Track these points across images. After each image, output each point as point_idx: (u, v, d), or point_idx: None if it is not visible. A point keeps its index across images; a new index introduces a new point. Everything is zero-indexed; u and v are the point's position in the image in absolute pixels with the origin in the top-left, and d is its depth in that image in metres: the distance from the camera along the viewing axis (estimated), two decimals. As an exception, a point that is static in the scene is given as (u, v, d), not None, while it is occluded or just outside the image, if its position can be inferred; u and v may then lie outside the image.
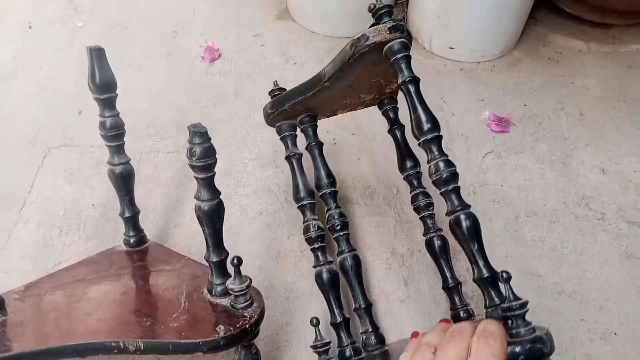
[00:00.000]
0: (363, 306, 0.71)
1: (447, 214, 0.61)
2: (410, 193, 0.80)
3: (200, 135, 0.54)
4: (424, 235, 0.77)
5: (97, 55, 0.65)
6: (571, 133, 1.00)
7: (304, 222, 0.79)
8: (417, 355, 0.49)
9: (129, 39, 1.16)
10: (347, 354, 0.67)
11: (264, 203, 0.87)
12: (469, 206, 0.61)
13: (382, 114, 0.85)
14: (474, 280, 0.58)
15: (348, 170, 0.92)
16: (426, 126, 0.64)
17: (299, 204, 0.79)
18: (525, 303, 0.51)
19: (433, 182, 0.63)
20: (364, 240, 0.82)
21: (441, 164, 0.62)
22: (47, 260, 0.79)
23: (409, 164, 0.80)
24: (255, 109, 1.02)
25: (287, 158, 0.80)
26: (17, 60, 1.11)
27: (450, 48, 1.13)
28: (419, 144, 0.68)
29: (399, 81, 0.68)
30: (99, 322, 0.57)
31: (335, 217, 0.77)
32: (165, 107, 1.02)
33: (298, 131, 0.83)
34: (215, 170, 0.57)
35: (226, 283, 0.59)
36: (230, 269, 0.60)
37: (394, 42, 0.66)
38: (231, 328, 0.55)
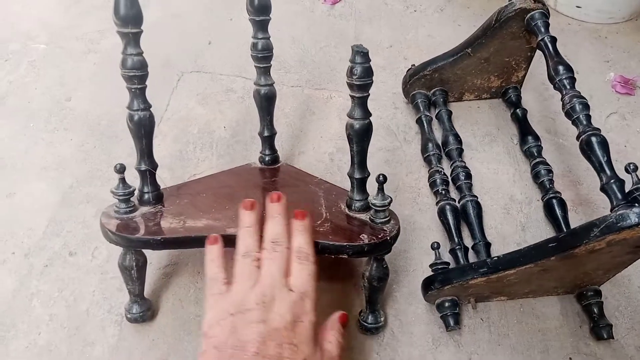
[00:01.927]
0: (482, 243, 0.74)
1: (578, 137, 0.68)
2: (530, 163, 0.83)
3: (362, 55, 0.56)
4: (542, 199, 0.79)
5: None
6: (703, 102, 0.96)
7: (429, 170, 0.83)
8: (244, 270, 0.54)
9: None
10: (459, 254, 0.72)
11: (384, 141, 0.90)
12: (598, 129, 0.67)
13: (505, 100, 0.94)
14: (601, 188, 0.64)
15: (467, 117, 0.93)
16: (561, 69, 0.74)
17: (426, 155, 0.84)
18: None
19: (566, 112, 0.69)
20: (482, 184, 0.83)
21: (574, 97, 0.70)
22: (183, 171, 0.85)
23: (530, 139, 0.87)
24: (376, 52, 1.04)
25: (419, 119, 0.88)
26: (150, -11, 1.17)
27: (577, 7, 1.10)
28: (555, 86, 0.73)
29: (538, 39, 0.75)
30: None
31: (459, 168, 0.81)
32: (289, 44, 1.05)
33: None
34: (370, 91, 0.59)
35: (368, 198, 0.63)
36: (370, 188, 0.64)
37: (536, 11, 0.79)
38: (374, 238, 0.59)
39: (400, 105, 0.95)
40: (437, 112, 0.90)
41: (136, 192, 0.65)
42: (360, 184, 0.63)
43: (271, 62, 0.74)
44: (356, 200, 0.64)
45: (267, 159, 0.78)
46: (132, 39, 0.59)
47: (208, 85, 0.98)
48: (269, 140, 0.78)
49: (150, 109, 0.63)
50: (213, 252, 0.57)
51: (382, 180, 0.60)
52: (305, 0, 1.14)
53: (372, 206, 0.61)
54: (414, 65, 0.92)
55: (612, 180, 0.64)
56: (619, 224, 0.55)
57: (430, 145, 0.85)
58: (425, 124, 0.88)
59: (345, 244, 0.58)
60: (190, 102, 0.95)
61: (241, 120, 0.92)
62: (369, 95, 0.59)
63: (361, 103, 0.59)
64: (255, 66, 0.74)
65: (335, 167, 0.86)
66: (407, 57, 1.02)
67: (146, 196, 0.65)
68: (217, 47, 1.05)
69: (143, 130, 0.62)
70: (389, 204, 0.61)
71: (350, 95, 0.59)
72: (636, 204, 0.60)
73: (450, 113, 0.90)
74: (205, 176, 0.74)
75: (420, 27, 1.09)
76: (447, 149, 0.85)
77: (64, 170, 0.84)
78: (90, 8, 1.13)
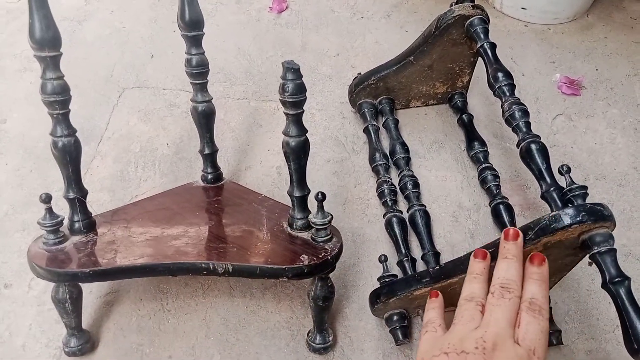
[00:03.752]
0: (431, 252, 0.73)
1: (518, 144, 0.68)
2: (477, 169, 0.83)
3: (293, 71, 0.55)
4: (489, 204, 0.79)
5: None
6: (645, 100, 0.98)
7: (377, 180, 0.82)
8: (466, 313, 0.50)
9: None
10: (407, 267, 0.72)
11: (332, 152, 0.88)
12: (537, 136, 0.68)
13: (452, 106, 0.94)
14: (542, 195, 0.65)
15: (414, 125, 0.92)
16: (500, 76, 0.74)
17: (374, 165, 0.83)
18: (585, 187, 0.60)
19: (506, 120, 0.70)
20: (430, 192, 0.83)
21: (513, 104, 0.70)
22: (125, 193, 0.82)
23: (476, 144, 0.87)
24: (322, 60, 1.03)
25: (366, 129, 0.88)
26: (89, 4, 1.14)
27: (522, 9, 1.10)
28: (494, 92, 0.73)
29: (478, 45, 0.75)
30: (187, 245, 0.60)
31: (407, 177, 0.81)
32: (235, 55, 1.03)
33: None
34: (304, 108, 0.58)
35: (309, 217, 0.61)
36: (311, 205, 0.62)
37: (475, 17, 0.79)
38: (314, 258, 0.58)
39: (348, 114, 0.94)
40: (384, 120, 0.90)
41: (66, 221, 0.62)
42: (300, 202, 0.62)
43: (207, 78, 0.72)
44: (297, 218, 0.62)
45: (209, 177, 0.76)
46: (51, 63, 0.56)
47: (150, 101, 0.95)
48: (210, 158, 0.76)
49: (76, 134, 0.60)
50: (434, 302, 0.57)
51: (320, 199, 0.59)
52: (251, 9, 1.12)
53: (313, 225, 0.60)
54: (360, 74, 0.91)
55: (551, 188, 0.64)
56: (552, 226, 0.55)
57: (377, 155, 0.84)
58: (372, 134, 0.87)
59: (284, 266, 0.57)
60: (132, 119, 0.92)
61: (185, 136, 0.89)
62: (303, 111, 0.58)
63: (296, 120, 0.58)
64: (191, 83, 0.72)
65: (282, 181, 0.84)
66: (354, 65, 1.01)
67: (77, 225, 0.62)
68: (160, 60, 1.02)
69: (68, 157, 0.60)
70: (330, 221, 0.60)
71: (284, 113, 0.58)
72: (569, 205, 0.60)
73: (397, 121, 0.89)
74: (143, 199, 0.72)
75: (367, 33, 1.08)
76: (394, 158, 0.85)
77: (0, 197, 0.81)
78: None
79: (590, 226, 0.55)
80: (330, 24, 1.10)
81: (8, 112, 0.93)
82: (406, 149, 0.85)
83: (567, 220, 0.55)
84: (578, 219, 0.54)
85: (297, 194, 0.61)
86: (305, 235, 0.62)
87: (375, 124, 0.89)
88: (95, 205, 0.80)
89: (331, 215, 0.60)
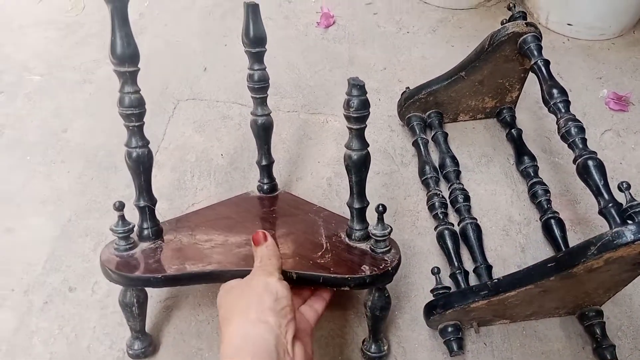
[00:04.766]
0: (483, 265, 0.74)
1: (574, 160, 0.69)
2: (527, 183, 0.84)
3: (358, 88, 0.56)
4: (540, 219, 0.80)
5: (253, 10, 0.69)
6: (695, 116, 0.97)
7: (427, 193, 0.83)
8: None
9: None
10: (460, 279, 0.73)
11: (381, 164, 0.90)
12: (594, 152, 0.68)
13: (500, 121, 0.95)
14: (600, 211, 0.65)
15: (463, 139, 0.93)
16: (555, 92, 0.75)
17: (424, 177, 0.84)
18: None
19: (561, 136, 0.70)
20: (480, 206, 0.84)
21: (569, 120, 0.71)
22: (182, 201, 0.85)
23: (526, 159, 0.87)
24: (369, 74, 1.05)
25: (415, 142, 0.89)
26: (144, 18, 1.18)
27: (568, 25, 1.11)
28: (549, 109, 0.74)
29: (532, 62, 0.76)
30: (250, 253, 0.62)
31: (458, 190, 0.82)
32: (284, 69, 1.06)
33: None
34: (367, 122, 0.59)
35: (369, 228, 0.63)
36: (369, 217, 0.64)
37: (528, 34, 0.80)
38: (375, 269, 0.59)
39: (396, 128, 0.95)
40: (433, 134, 0.91)
41: (135, 228, 0.65)
42: (359, 214, 0.63)
43: (267, 92, 0.74)
44: (356, 229, 0.64)
45: (265, 187, 0.78)
46: (129, 77, 0.59)
47: (204, 113, 0.98)
48: (267, 169, 0.78)
49: (148, 145, 0.63)
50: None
51: (381, 211, 0.60)
52: (299, 25, 1.15)
53: (372, 236, 0.61)
54: (408, 88, 0.93)
55: (610, 205, 0.64)
56: (615, 242, 0.55)
57: (427, 168, 0.85)
58: (421, 147, 0.88)
59: (347, 276, 0.58)
60: (187, 130, 0.96)
61: (238, 147, 0.92)
62: (366, 126, 0.59)
63: (359, 135, 0.59)
64: (252, 97, 0.74)
65: (333, 193, 0.86)
66: (401, 79, 1.03)
67: (145, 232, 0.64)
68: (213, 73, 1.06)
69: (142, 167, 0.62)
70: (389, 233, 0.61)
71: (348, 127, 0.59)
72: (630, 222, 0.61)
73: (446, 135, 0.90)
74: (204, 207, 0.74)
75: (413, 48, 1.10)
76: (444, 172, 0.86)
77: (62, 204, 0.84)
78: (86, 37, 1.14)
79: None
80: (376, 38, 1.12)
81: (69, 121, 0.97)
82: (456, 163, 0.86)
83: (630, 237, 0.55)
84: None
85: (357, 205, 0.62)
86: (364, 246, 0.63)
87: (425, 137, 0.90)
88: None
89: (390, 227, 0.61)
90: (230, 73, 1.05)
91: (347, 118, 0.58)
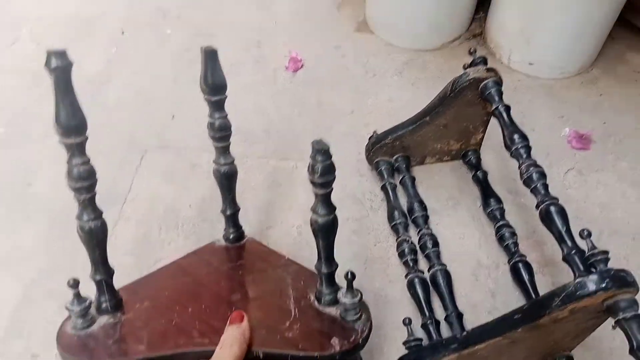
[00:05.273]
0: (454, 314, 0.74)
1: (537, 206, 0.71)
2: (494, 226, 0.85)
3: (323, 153, 0.54)
4: (508, 262, 0.81)
5: (211, 56, 0.67)
6: (654, 153, 1.00)
7: (397, 239, 0.83)
8: None
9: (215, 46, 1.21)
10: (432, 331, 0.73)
11: (350, 210, 0.90)
12: (556, 198, 0.70)
13: (466, 163, 0.97)
14: (563, 258, 0.66)
15: (430, 182, 0.94)
16: (516, 138, 0.77)
17: (393, 223, 0.85)
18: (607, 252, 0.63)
19: (524, 181, 0.72)
20: (449, 250, 0.84)
21: (530, 166, 0.73)
22: (148, 256, 0.84)
23: (492, 201, 0.88)
24: (338, 118, 1.06)
25: (383, 186, 0.90)
26: (112, 65, 1.18)
27: (530, 64, 1.14)
28: (511, 154, 0.76)
29: (493, 108, 0.78)
30: (215, 325, 0.61)
31: (426, 236, 0.82)
32: (253, 114, 1.06)
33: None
34: (332, 186, 0.57)
35: (338, 295, 0.62)
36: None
37: (489, 80, 0.82)
38: (345, 342, 0.58)
39: (365, 172, 0.96)
40: (400, 177, 0.92)
41: (93, 301, 0.63)
42: (328, 278, 0.62)
43: (230, 140, 0.73)
44: (325, 293, 0.63)
45: (231, 236, 0.77)
46: (77, 149, 0.56)
47: (172, 162, 0.98)
48: (232, 218, 0.77)
49: (102, 216, 0.60)
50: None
51: (350, 279, 0.59)
52: (267, 69, 1.16)
53: (342, 305, 0.61)
54: (375, 132, 0.94)
55: (572, 252, 0.65)
56: (578, 292, 0.57)
57: (396, 213, 0.86)
58: (390, 192, 0.89)
59: (315, 354, 0.57)
60: (154, 181, 0.95)
61: (207, 197, 0.92)
62: (332, 190, 0.58)
63: (324, 199, 0.58)
64: (214, 145, 0.73)
65: (303, 242, 0.86)
66: (368, 122, 1.04)
67: (104, 305, 0.63)
68: (181, 120, 1.06)
69: (95, 240, 0.60)
70: (359, 300, 0.61)
71: (313, 192, 0.57)
72: (592, 270, 0.62)
73: (413, 179, 0.91)
74: (168, 264, 0.72)
75: (380, 91, 1.11)
76: (413, 216, 0.86)
77: (26, 263, 0.82)
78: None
79: (615, 292, 0.56)
80: (344, 81, 1.14)
81: (33, 175, 0.95)
82: (424, 207, 0.87)
83: (592, 287, 0.56)
84: (602, 285, 0.56)
85: (325, 270, 0.62)
86: (334, 311, 0.62)
87: (393, 181, 0.91)
88: (120, 268, 0.80)
89: (360, 293, 0.60)
90: (200, 120, 1.04)
91: (312, 183, 0.56)
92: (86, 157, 0.57)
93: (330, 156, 0.55)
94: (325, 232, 0.59)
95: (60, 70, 0.53)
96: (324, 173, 0.55)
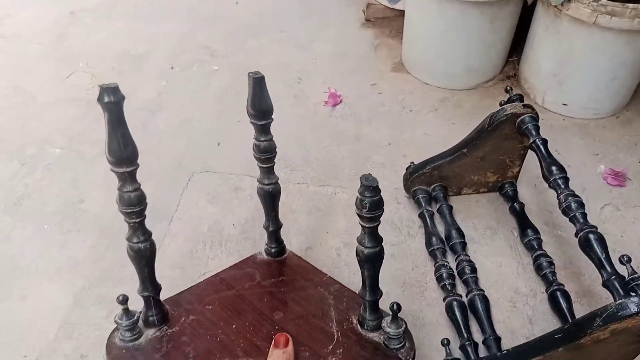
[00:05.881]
0: (492, 337, 0.75)
1: (576, 234, 0.73)
2: (531, 256, 0.86)
3: (371, 189, 0.56)
4: (546, 291, 0.81)
5: (258, 83, 0.70)
6: (691, 192, 1.00)
7: (435, 264, 0.85)
8: None
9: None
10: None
11: (389, 235, 0.92)
12: (595, 226, 0.72)
13: (502, 194, 0.99)
14: (603, 284, 0.68)
15: (467, 212, 0.96)
16: (554, 169, 0.80)
17: (431, 249, 0.86)
18: None
19: (562, 211, 0.74)
20: (487, 278, 0.85)
21: (569, 195, 0.76)
22: (194, 270, 0.87)
23: (529, 232, 0.90)
24: (375, 150, 1.10)
25: (421, 214, 0.92)
26: (162, 96, 1.25)
27: (564, 104, 1.17)
28: (549, 185, 0.77)
29: (530, 141, 0.81)
30: (259, 343, 0.63)
31: (465, 262, 0.84)
32: (294, 144, 1.11)
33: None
34: (380, 220, 0.59)
35: (382, 324, 0.63)
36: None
37: (526, 115, 0.86)
38: None
39: (402, 200, 0.99)
40: (438, 206, 0.94)
41: (141, 315, 0.66)
42: (372, 305, 0.64)
43: (274, 161, 0.76)
44: (369, 320, 0.64)
45: (272, 250, 0.79)
46: (128, 177, 0.58)
47: (217, 185, 1.02)
48: (274, 234, 0.79)
49: (151, 237, 0.63)
50: None
51: (396, 310, 0.60)
52: (308, 104, 1.22)
53: (386, 334, 0.62)
54: (412, 162, 0.97)
55: (612, 277, 0.66)
56: (619, 313, 0.57)
57: (434, 239, 0.88)
58: (427, 219, 0.91)
59: None
60: (200, 201, 0.99)
61: (249, 217, 0.95)
62: (379, 224, 0.59)
63: (372, 232, 0.59)
64: (259, 166, 0.76)
65: (342, 263, 0.88)
66: (405, 154, 1.07)
67: (151, 319, 0.66)
68: (226, 148, 1.11)
69: (144, 261, 0.63)
70: (404, 331, 0.62)
71: (360, 224, 0.59)
72: (633, 294, 0.62)
73: (451, 208, 0.93)
74: (210, 277, 0.75)
75: (416, 126, 1.15)
76: (450, 243, 0.88)
77: (77, 272, 0.86)
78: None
79: None
80: (381, 117, 1.18)
81: (86, 193, 1.01)
82: (462, 234, 0.89)
83: (633, 308, 0.57)
84: None
85: (369, 297, 0.63)
86: (377, 337, 0.63)
87: (430, 209, 0.93)
88: (167, 280, 0.84)
89: (405, 323, 0.61)
90: (243, 147, 1.09)
91: (360, 217, 0.58)
92: (137, 184, 0.59)
93: (379, 192, 0.56)
94: (372, 263, 0.60)
95: (113, 105, 0.55)
96: (372, 208, 0.56)
